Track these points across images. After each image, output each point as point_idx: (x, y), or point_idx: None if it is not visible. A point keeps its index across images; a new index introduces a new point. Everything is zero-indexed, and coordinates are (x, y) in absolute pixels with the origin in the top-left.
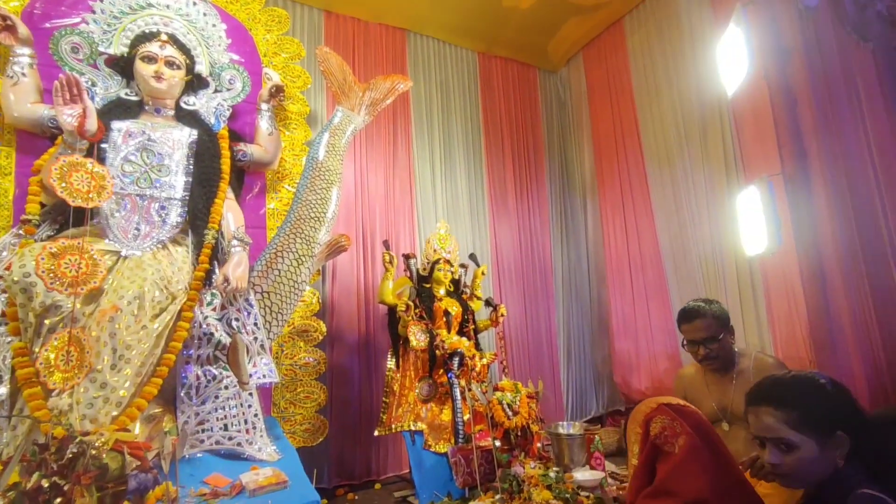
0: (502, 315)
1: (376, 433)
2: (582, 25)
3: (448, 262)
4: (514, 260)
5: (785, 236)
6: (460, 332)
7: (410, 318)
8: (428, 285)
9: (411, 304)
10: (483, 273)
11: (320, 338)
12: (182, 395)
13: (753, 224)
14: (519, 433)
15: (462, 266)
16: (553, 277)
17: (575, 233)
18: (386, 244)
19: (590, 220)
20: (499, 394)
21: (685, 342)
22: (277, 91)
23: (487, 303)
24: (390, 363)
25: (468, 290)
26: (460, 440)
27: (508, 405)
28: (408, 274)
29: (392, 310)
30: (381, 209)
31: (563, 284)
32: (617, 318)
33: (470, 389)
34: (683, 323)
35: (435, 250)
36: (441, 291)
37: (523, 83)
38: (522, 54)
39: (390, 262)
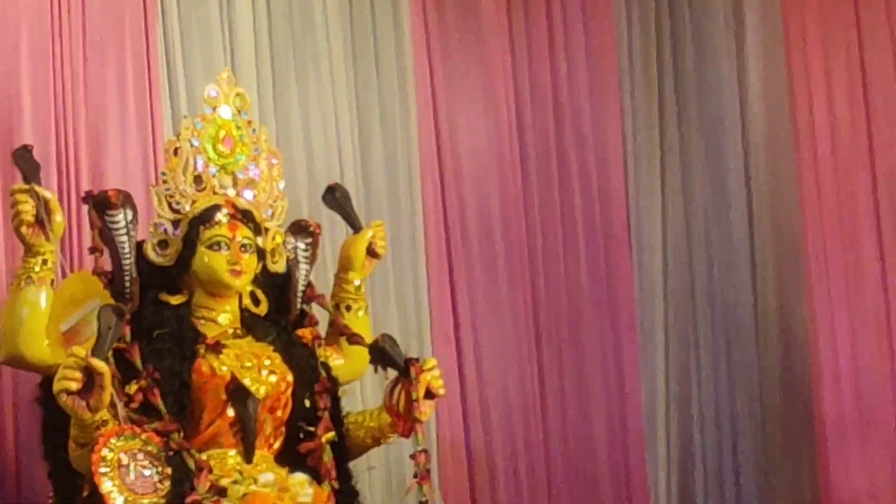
0: (420, 416)
1: None
2: None
3: (241, 216)
4: (496, 211)
5: None
6: (288, 453)
7: (107, 413)
8: (179, 298)
9: (104, 368)
10: (376, 252)
11: None
12: None
13: None
14: None
15: (302, 230)
16: (633, 254)
17: (706, 123)
18: (23, 157)
19: (758, 76)
20: None
21: None
22: None
23: (383, 359)
24: None
25: (315, 310)
26: None
27: None
28: (106, 266)
29: (50, 385)
30: (32, 46)
31: (663, 276)
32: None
33: None
34: None
35: (199, 177)
36: (222, 317)
37: None
38: None
39: (37, 226)
